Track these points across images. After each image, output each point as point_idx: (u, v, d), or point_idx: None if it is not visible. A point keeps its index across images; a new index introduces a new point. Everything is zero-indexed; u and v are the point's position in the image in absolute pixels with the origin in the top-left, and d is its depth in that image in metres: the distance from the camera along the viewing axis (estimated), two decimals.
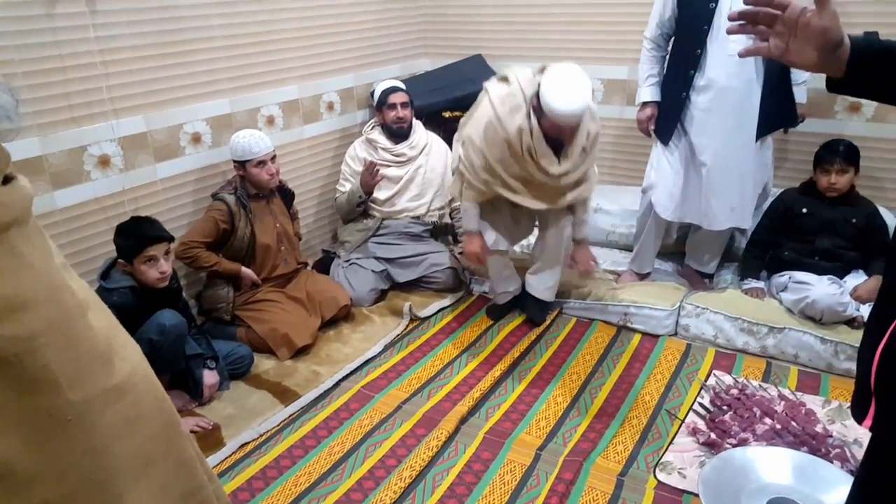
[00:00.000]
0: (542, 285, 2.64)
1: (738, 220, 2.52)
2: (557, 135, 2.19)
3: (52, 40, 2.08)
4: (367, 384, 2.32)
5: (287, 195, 2.75)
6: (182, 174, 2.57)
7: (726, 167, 2.44)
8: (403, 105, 3.04)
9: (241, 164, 2.51)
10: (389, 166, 3.08)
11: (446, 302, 2.90)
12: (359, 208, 3.04)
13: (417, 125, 3.15)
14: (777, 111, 2.40)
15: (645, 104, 2.58)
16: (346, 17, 3.17)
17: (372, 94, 3.23)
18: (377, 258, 2.97)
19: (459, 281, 2.99)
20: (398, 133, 3.06)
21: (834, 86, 0.91)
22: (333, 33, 3.12)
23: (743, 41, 2.25)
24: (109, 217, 2.33)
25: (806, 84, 2.41)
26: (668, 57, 2.53)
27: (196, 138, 2.60)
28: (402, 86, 3.12)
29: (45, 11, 2.06)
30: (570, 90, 2.06)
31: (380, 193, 3.07)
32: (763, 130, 2.41)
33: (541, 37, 3.34)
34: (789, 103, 2.43)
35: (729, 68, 2.32)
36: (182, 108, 2.52)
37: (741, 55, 0.95)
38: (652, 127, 2.59)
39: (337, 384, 2.34)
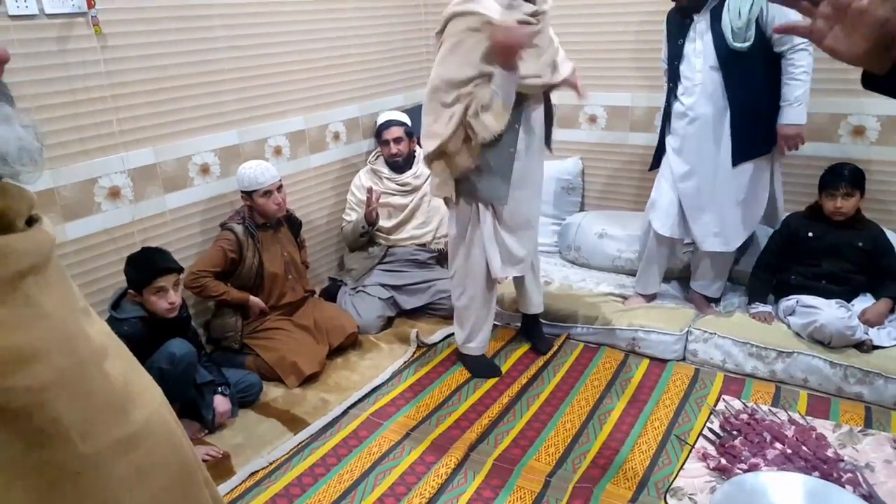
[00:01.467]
0: (537, 298, 2.67)
1: (723, 244, 2.59)
2: None
3: (63, 75, 2.16)
4: (375, 411, 2.35)
5: (294, 224, 2.80)
6: (191, 204, 2.64)
7: (701, 192, 2.54)
8: (397, 141, 3.11)
9: (248, 195, 2.57)
10: (394, 195, 3.14)
11: (453, 328, 2.92)
12: (362, 238, 3.10)
13: (420, 154, 3.22)
14: (748, 139, 2.45)
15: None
16: (350, 49, 3.26)
17: (377, 123, 3.31)
18: (383, 285, 3.01)
19: None
20: (395, 166, 3.15)
21: (872, 83, 0.78)
22: (338, 65, 3.21)
23: (707, 72, 2.38)
24: (120, 248, 2.38)
25: (801, 104, 2.38)
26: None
27: (204, 169, 2.67)
28: (400, 118, 3.20)
29: (58, 48, 2.14)
30: None
31: (385, 222, 3.13)
32: (738, 157, 2.46)
33: None
34: (762, 131, 2.43)
35: (696, 97, 2.45)
36: (190, 140, 2.59)
37: (776, 30, 0.86)
38: None
39: (345, 412, 2.36)
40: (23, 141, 0.66)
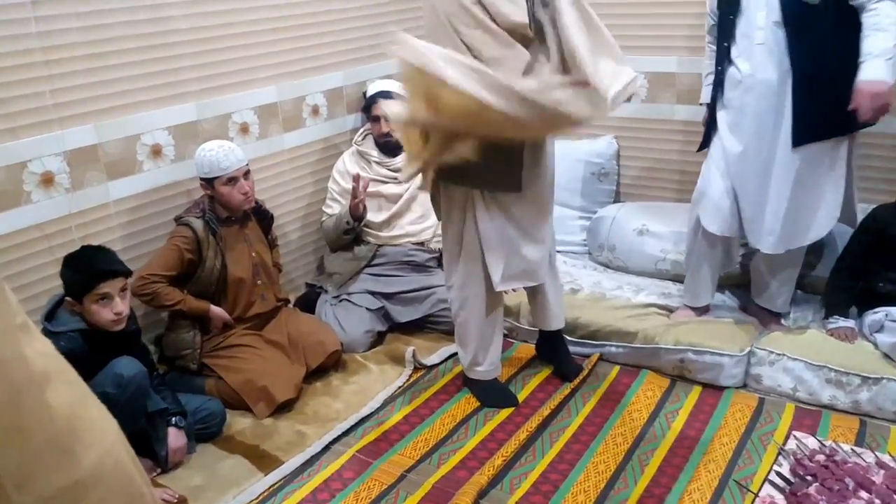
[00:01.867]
0: (558, 310, 2.66)
1: (785, 244, 2.57)
2: None
3: None
4: (363, 448, 2.35)
5: (265, 218, 2.82)
6: (140, 194, 2.65)
7: (761, 179, 2.53)
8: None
9: (208, 182, 2.59)
10: (385, 183, 3.15)
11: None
12: (346, 236, 3.12)
13: None
14: (817, 114, 2.40)
15: (706, 105, 2.73)
16: (333, 4, 3.28)
17: (365, 94, 3.32)
18: (373, 293, 3.03)
19: None
20: (386, 148, 3.16)
21: None
22: (318, 23, 3.22)
23: (771, 28, 2.36)
24: (54, 246, 2.40)
25: (891, 58, 2.23)
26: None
27: (156, 151, 2.69)
28: (393, 88, 3.14)
29: None
30: None
31: (375, 216, 3.15)
32: (803, 136, 2.43)
33: None
34: (834, 106, 2.35)
35: (757, 59, 2.44)
36: (140, 116, 2.61)
37: None
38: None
39: (326, 448, 2.37)
40: None
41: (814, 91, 2.40)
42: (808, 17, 2.35)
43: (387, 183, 3.17)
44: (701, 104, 2.78)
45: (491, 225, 2.34)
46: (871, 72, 2.27)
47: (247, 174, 2.62)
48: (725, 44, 2.54)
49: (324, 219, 3.22)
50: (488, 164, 2.08)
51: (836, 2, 2.32)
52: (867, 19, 2.31)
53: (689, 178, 3.15)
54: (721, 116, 2.61)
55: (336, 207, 3.17)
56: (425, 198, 3.17)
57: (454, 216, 2.39)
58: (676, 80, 3.26)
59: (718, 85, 2.60)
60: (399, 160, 3.15)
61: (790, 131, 2.45)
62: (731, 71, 2.53)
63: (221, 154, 2.57)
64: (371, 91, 3.25)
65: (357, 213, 3.06)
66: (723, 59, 2.56)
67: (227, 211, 2.64)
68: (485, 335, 2.53)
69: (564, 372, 2.71)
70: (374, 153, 3.19)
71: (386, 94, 3.10)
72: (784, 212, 2.53)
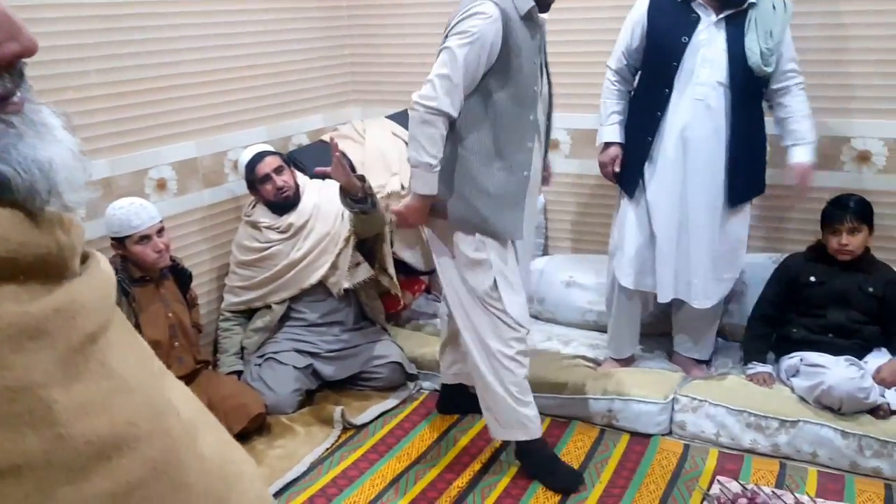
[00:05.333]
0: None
1: (706, 297, 2.67)
2: None
3: None
4: None
5: (182, 276, 2.79)
6: None
7: (683, 234, 2.63)
8: (278, 170, 3.00)
9: (119, 242, 2.54)
10: (272, 245, 3.04)
11: (389, 404, 2.94)
12: (365, 216, 2.92)
13: (306, 183, 3.14)
14: (751, 175, 2.62)
15: (608, 144, 2.76)
16: (257, 59, 3.32)
17: (238, 164, 3.17)
18: (300, 351, 3.00)
19: (406, 376, 3.04)
20: (285, 205, 3.03)
21: None
22: (242, 77, 3.25)
23: (713, 86, 2.50)
24: None
25: (815, 143, 2.60)
26: (632, 94, 2.75)
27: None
28: (267, 147, 3.10)
29: None
30: None
31: (276, 295, 3.08)
32: (739, 195, 2.60)
33: None
34: (761, 167, 2.65)
35: (697, 113, 2.54)
36: None
37: None
38: (617, 169, 2.75)
39: None
40: (85, 171, 0.65)
41: (748, 153, 2.57)
42: (753, 84, 2.51)
43: (272, 245, 3.05)
44: (601, 143, 2.80)
45: (507, 269, 2.35)
46: (806, 155, 2.59)
47: (160, 231, 2.58)
48: (667, 90, 2.55)
49: (224, 308, 3.14)
50: (497, 210, 2.29)
51: (765, 78, 2.52)
52: (794, 102, 2.56)
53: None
54: (648, 168, 2.65)
55: (236, 280, 3.10)
56: (320, 246, 3.03)
57: (453, 262, 2.38)
58: (597, 136, 3.37)
59: (643, 133, 2.64)
60: (287, 217, 3.04)
61: (723, 188, 2.58)
62: (667, 122, 2.58)
63: (132, 212, 2.53)
64: (245, 159, 3.08)
65: (352, 188, 2.76)
66: (660, 106, 2.57)
67: (140, 270, 2.59)
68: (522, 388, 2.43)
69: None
70: (265, 219, 3.05)
71: (265, 153, 3.04)
72: (711, 265, 2.64)
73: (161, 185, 2.96)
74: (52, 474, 0.54)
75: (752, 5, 2.47)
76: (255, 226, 3.08)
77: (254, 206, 3.12)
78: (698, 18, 2.51)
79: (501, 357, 2.34)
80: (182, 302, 2.77)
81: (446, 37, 2.22)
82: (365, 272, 3.10)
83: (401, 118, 3.57)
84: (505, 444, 2.64)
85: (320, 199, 3.09)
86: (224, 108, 3.19)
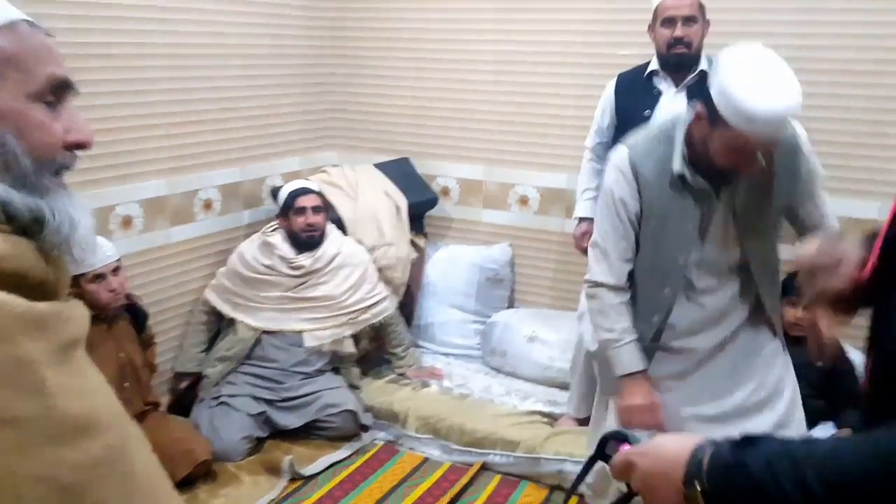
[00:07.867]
0: None
1: None
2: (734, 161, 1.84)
3: None
4: None
5: (139, 316, 2.77)
6: None
7: None
8: (316, 210, 3.12)
9: (73, 280, 2.54)
10: (275, 275, 3.12)
11: (341, 454, 2.92)
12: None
13: (332, 232, 3.24)
14: None
15: (581, 220, 2.87)
16: (232, 103, 3.36)
17: (273, 194, 3.29)
18: (256, 398, 2.98)
19: (359, 426, 3.02)
20: (307, 243, 3.14)
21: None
22: (216, 119, 3.29)
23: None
24: None
25: None
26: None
27: None
28: (315, 187, 3.23)
29: None
30: (770, 77, 1.69)
31: (253, 318, 3.13)
32: None
33: (468, 135, 3.63)
34: None
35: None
36: None
37: None
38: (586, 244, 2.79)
39: None
40: (93, 238, 0.88)
41: None
42: None
43: (272, 275, 3.13)
44: (575, 218, 2.95)
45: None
46: None
47: (116, 270, 2.58)
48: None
49: (205, 296, 3.22)
50: None
51: None
52: None
53: (579, 288, 3.28)
54: None
55: (224, 281, 3.18)
56: (325, 300, 3.14)
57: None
58: (565, 195, 3.42)
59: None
60: (302, 257, 3.12)
61: None
62: None
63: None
64: (292, 187, 3.20)
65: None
66: None
67: (93, 309, 2.56)
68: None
69: None
70: (282, 247, 3.13)
71: (309, 190, 3.17)
72: None
73: (126, 223, 2.97)
74: (38, 436, 0.70)
75: (704, 73, 2.52)
76: (268, 246, 3.15)
77: (274, 230, 3.20)
78: (660, 93, 2.63)
79: None
80: (136, 342, 2.75)
81: None
82: (350, 346, 3.19)
83: (391, 169, 3.63)
84: (453, 500, 2.61)
85: (341, 250, 3.21)
86: (195, 149, 3.22)
